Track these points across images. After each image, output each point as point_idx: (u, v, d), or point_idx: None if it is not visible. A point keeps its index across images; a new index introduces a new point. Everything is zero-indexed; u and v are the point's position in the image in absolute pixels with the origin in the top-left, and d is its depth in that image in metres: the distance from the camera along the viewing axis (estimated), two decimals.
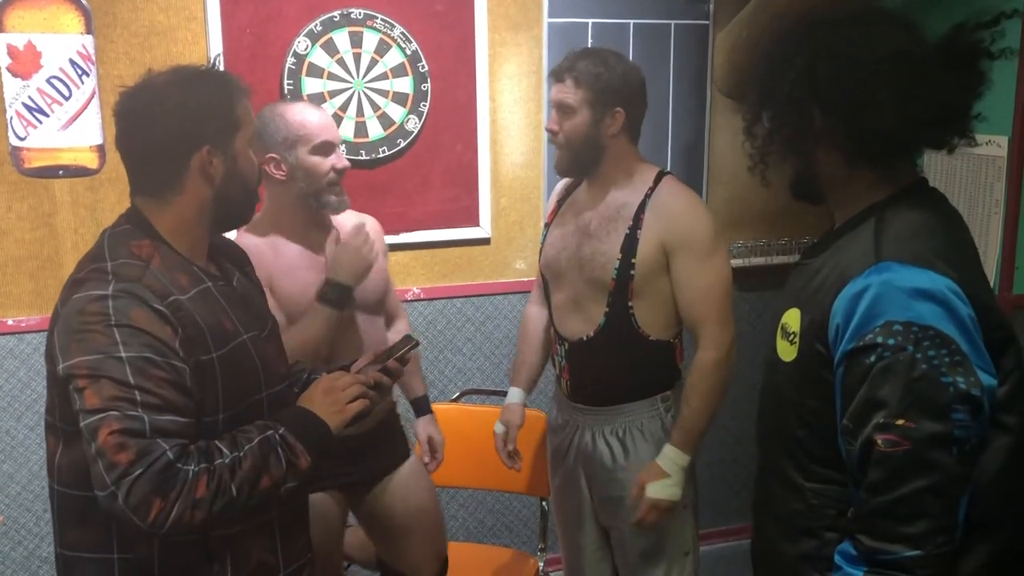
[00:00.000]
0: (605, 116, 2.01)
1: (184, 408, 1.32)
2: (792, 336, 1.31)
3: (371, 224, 2.20)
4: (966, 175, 2.61)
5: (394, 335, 2.29)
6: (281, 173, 1.98)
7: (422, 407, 2.35)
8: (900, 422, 1.13)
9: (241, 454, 1.33)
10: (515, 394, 2.32)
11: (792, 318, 1.32)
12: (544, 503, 2.66)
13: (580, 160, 2.06)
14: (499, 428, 2.30)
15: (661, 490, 2.00)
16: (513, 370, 2.37)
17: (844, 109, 1.24)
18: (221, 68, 1.50)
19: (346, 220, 2.13)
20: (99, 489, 1.27)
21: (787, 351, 1.33)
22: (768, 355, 1.40)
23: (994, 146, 2.49)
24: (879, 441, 1.14)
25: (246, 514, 1.37)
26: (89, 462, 1.28)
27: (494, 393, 2.82)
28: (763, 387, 1.44)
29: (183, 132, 1.38)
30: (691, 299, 2.01)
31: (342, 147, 2.09)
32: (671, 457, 2.02)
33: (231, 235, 1.98)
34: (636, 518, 2.03)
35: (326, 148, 1.99)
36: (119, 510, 1.25)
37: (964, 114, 1.25)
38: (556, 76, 2.05)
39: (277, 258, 2.01)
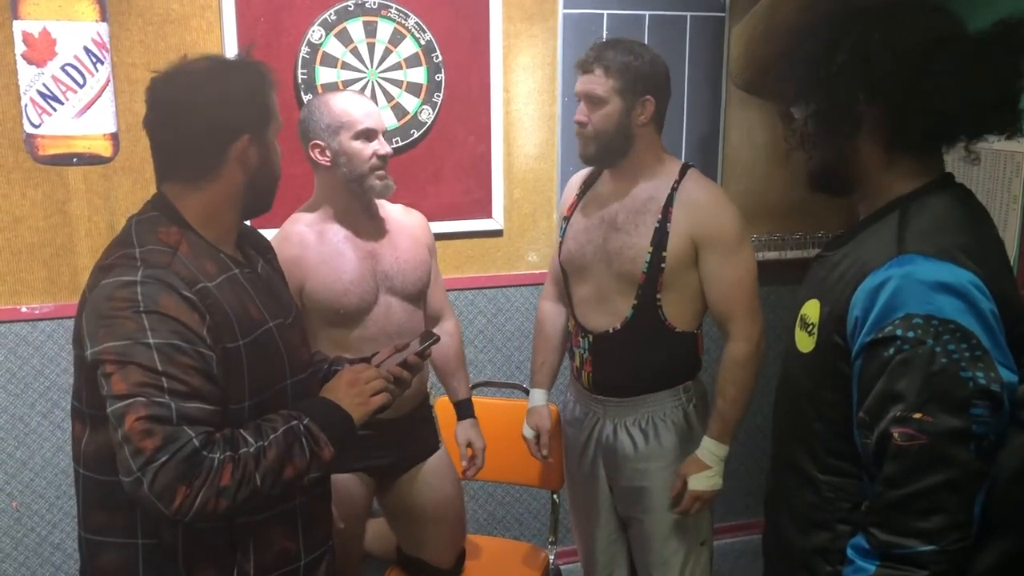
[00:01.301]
0: (636, 105, 2.02)
1: (211, 395, 1.32)
2: (811, 327, 1.30)
3: (418, 219, 2.26)
4: (984, 171, 2.59)
5: (440, 336, 2.31)
6: (326, 159, 2.05)
7: (464, 411, 2.35)
8: (918, 416, 1.12)
9: (266, 443, 1.33)
10: (539, 396, 2.34)
11: (811, 309, 1.31)
12: (555, 496, 2.66)
13: (609, 150, 2.05)
14: (528, 433, 2.32)
15: (704, 481, 2.05)
16: (533, 371, 2.37)
17: (894, 92, 1.22)
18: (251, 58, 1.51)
19: (395, 211, 2.21)
20: (124, 475, 1.27)
21: (805, 342, 1.32)
22: (786, 346, 1.40)
23: (1012, 142, 2.47)
24: (896, 434, 1.13)
25: (269, 502, 1.38)
26: (115, 448, 1.29)
27: (507, 386, 2.82)
28: (780, 378, 1.44)
29: (227, 120, 1.39)
30: (721, 293, 2.02)
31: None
32: (711, 449, 2.05)
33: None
34: (679, 510, 2.08)
35: (368, 134, 2.04)
36: (144, 496, 1.26)
37: (1015, 101, 1.23)
38: (583, 67, 2.04)
39: (321, 244, 2.06)
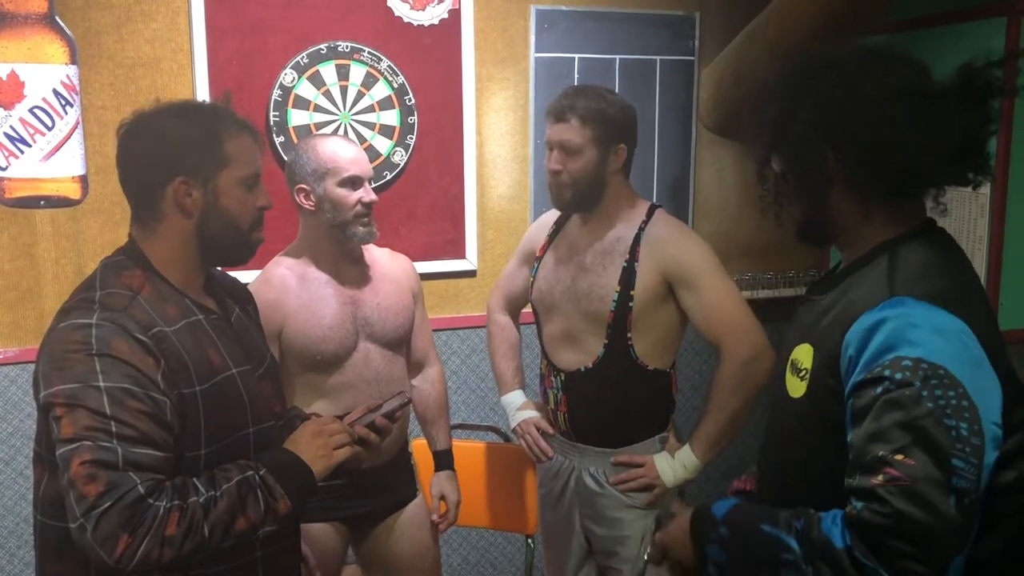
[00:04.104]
0: (609, 153, 2.03)
1: (161, 442, 1.29)
2: (803, 372, 1.30)
3: (404, 263, 2.24)
4: (949, 212, 2.63)
5: (422, 383, 2.29)
6: (310, 204, 2.03)
7: (441, 462, 2.30)
8: (899, 457, 1.10)
9: (217, 493, 1.30)
10: (519, 396, 2.31)
11: (803, 354, 1.30)
12: (529, 540, 2.62)
13: (584, 198, 2.07)
14: (530, 433, 2.23)
15: (665, 466, 2.06)
16: (506, 378, 2.34)
17: (861, 147, 1.23)
18: (227, 104, 1.49)
19: (381, 255, 2.20)
20: (71, 521, 1.24)
21: (797, 387, 1.31)
22: (776, 391, 1.39)
23: None
24: (878, 476, 1.12)
25: (221, 554, 1.34)
26: (63, 493, 1.26)
27: (482, 428, 2.80)
28: (770, 423, 1.43)
29: (156, 162, 1.40)
30: (704, 321, 2.03)
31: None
32: (683, 456, 2.06)
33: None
34: (622, 476, 2.08)
35: (354, 182, 2.02)
36: (87, 543, 1.23)
37: (980, 149, 1.24)
38: (557, 116, 2.04)
39: (302, 288, 2.04)
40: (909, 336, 1.14)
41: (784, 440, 1.38)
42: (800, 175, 1.29)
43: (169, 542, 1.24)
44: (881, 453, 1.12)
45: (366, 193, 2.03)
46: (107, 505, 1.22)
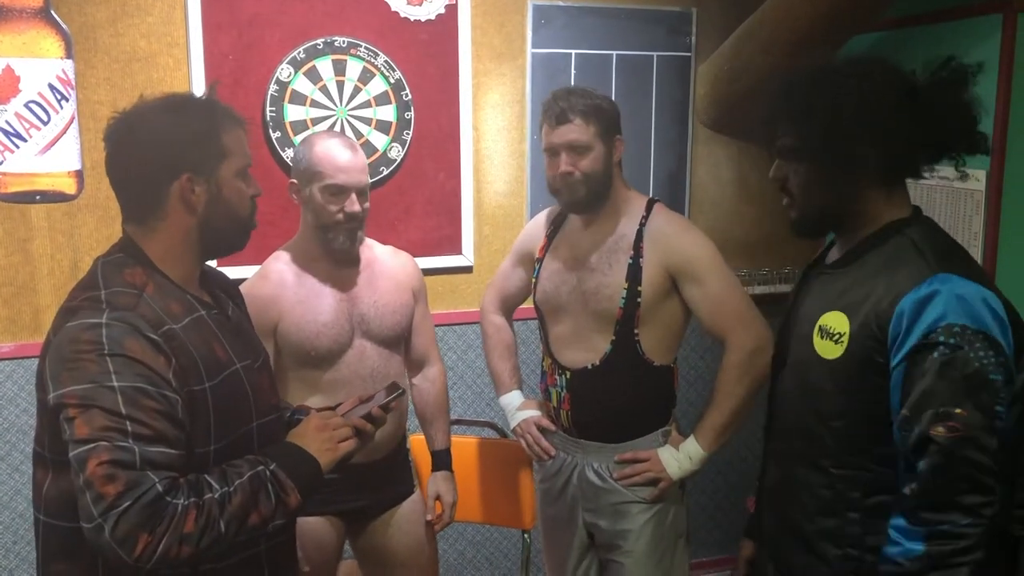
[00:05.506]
0: (611, 147, 2.06)
1: (175, 440, 1.30)
2: (837, 336, 1.45)
3: (405, 261, 2.23)
4: (945, 208, 2.64)
5: (422, 382, 2.29)
6: (297, 200, 2.04)
7: (439, 461, 2.29)
8: (957, 411, 1.29)
9: (231, 489, 1.31)
10: (518, 396, 2.31)
11: (835, 320, 1.46)
12: (526, 535, 2.63)
13: (596, 195, 2.06)
14: (530, 432, 2.24)
15: (669, 454, 2.08)
16: (503, 378, 2.33)
17: (872, 139, 1.40)
18: (214, 96, 1.49)
19: (383, 253, 2.18)
20: (85, 521, 1.24)
21: (830, 350, 1.45)
22: (798, 355, 1.55)
23: (972, 179, 2.52)
24: (940, 427, 1.30)
25: (234, 549, 1.34)
26: (76, 493, 1.26)
27: (478, 423, 2.80)
28: (790, 384, 1.57)
29: (162, 159, 1.38)
30: (708, 314, 2.05)
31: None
32: (688, 447, 2.08)
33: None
34: (627, 471, 2.09)
35: (337, 191, 1.99)
36: (105, 543, 1.23)
37: (970, 129, 1.43)
38: (559, 118, 2.02)
39: (299, 284, 2.04)
40: (958, 307, 1.32)
41: (807, 396, 1.52)
42: (819, 168, 1.46)
43: (187, 539, 1.25)
44: (941, 408, 1.30)
45: (350, 204, 1.99)
46: (127, 505, 1.22)
